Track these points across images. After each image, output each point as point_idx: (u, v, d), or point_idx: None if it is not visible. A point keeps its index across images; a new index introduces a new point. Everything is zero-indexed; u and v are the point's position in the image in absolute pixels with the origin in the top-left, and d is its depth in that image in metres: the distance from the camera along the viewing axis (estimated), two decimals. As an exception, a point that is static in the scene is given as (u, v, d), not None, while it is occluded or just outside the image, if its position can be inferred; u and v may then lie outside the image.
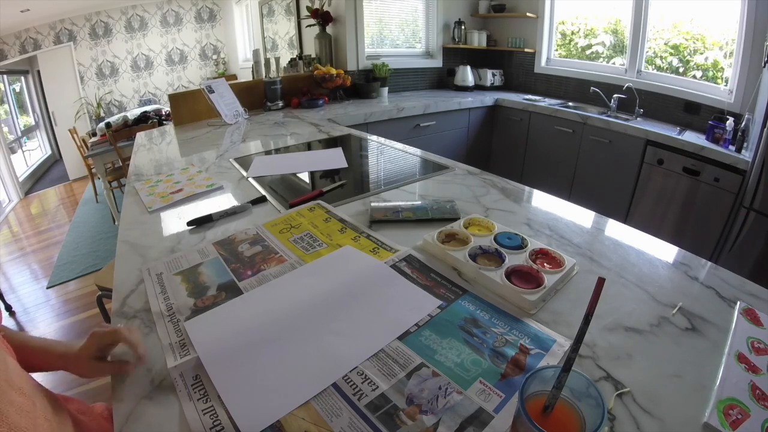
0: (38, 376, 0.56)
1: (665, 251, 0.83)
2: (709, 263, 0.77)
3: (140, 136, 2.06)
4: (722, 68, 2.28)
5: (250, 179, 1.27)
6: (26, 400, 0.46)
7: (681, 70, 2.50)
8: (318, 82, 2.67)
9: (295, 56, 3.17)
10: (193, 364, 0.54)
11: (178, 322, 0.62)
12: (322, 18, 2.83)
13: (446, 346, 0.56)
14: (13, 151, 5.17)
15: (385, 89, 2.95)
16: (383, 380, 0.51)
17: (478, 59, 3.43)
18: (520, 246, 0.79)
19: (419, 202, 1.01)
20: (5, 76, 5.27)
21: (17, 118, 5.58)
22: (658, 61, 2.61)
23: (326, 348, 0.56)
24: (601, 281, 0.36)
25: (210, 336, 0.59)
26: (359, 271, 0.73)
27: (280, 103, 2.54)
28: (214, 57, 6.17)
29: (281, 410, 0.47)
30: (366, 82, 2.92)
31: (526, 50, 3.23)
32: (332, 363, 0.54)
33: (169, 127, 2.26)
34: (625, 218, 2.38)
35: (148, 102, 5.74)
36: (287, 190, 1.21)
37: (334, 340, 0.57)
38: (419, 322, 0.61)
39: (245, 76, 4.53)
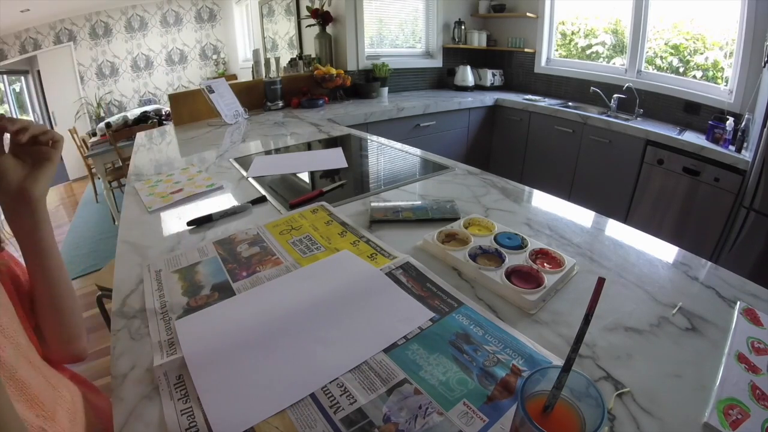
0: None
1: (665, 251, 0.83)
2: (709, 263, 0.77)
3: (140, 136, 2.06)
4: (722, 68, 2.28)
5: (250, 179, 1.27)
6: (44, 379, 0.47)
7: (681, 70, 2.50)
8: (318, 82, 2.67)
9: (295, 56, 3.17)
10: (177, 364, 0.54)
11: (170, 321, 0.62)
12: (322, 18, 2.83)
13: (433, 362, 0.54)
14: (13, 151, 5.16)
15: (385, 89, 2.95)
16: (362, 394, 0.49)
17: (478, 59, 3.43)
18: (520, 246, 0.79)
19: (419, 202, 1.01)
20: (5, 76, 5.27)
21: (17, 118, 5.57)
22: (658, 61, 2.61)
23: (310, 356, 0.55)
24: (601, 281, 0.36)
25: (198, 336, 0.59)
26: (353, 278, 0.72)
27: (280, 103, 2.54)
28: (214, 57, 6.17)
29: (257, 416, 0.47)
30: (366, 82, 2.92)
31: (526, 50, 3.23)
32: (314, 372, 0.53)
33: (169, 127, 2.26)
34: (625, 218, 2.39)
35: (148, 102, 5.74)
36: (287, 190, 1.21)
37: (319, 349, 0.56)
38: (408, 335, 0.58)
39: (245, 76, 4.53)
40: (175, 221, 1.00)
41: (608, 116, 2.54)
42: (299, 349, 0.56)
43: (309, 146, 1.70)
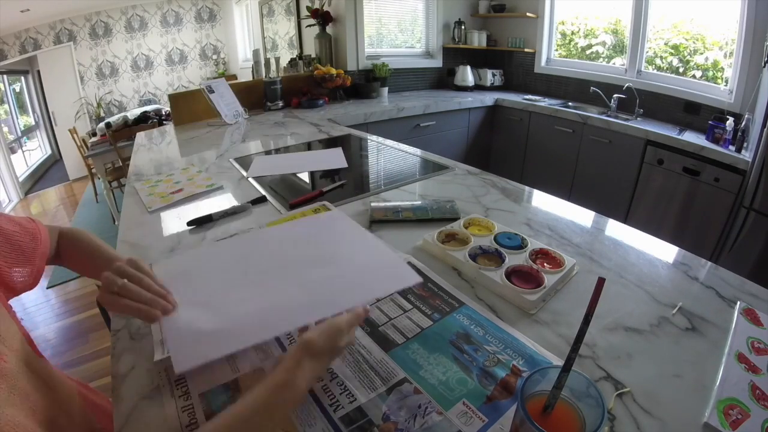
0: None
1: (665, 251, 0.83)
2: (709, 263, 0.77)
3: (140, 136, 2.06)
4: (722, 68, 2.28)
5: (250, 179, 1.27)
6: (43, 383, 0.47)
7: (681, 70, 2.50)
8: (318, 82, 2.67)
9: (295, 56, 3.17)
10: None
11: None
12: (322, 18, 2.83)
13: (433, 362, 0.53)
14: (13, 151, 5.17)
15: (385, 89, 2.95)
16: (362, 393, 0.49)
17: (478, 59, 3.43)
18: (520, 246, 0.79)
19: (419, 202, 1.01)
20: (5, 76, 5.27)
21: (17, 118, 5.58)
22: (658, 61, 2.61)
23: (286, 298, 0.53)
24: (601, 281, 0.36)
25: (172, 275, 0.58)
26: (339, 233, 0.70)
27: (280, 103, 2.54)
28: (214, 57, 6.17)
29: (219, 351, 0.46)
30: (366, 82, 2.92)
31: (526, 50, 3.23)
32: (287, 313, 0.51)
33: (169, 127, 2.26)
34: (625, 218, 2.38)
35: (148, 102, 5.74)
36: (287, 190, 1.21)
37: (296, 292, 0.54)
38: (407, 334, 0.58)
39: (245, 76, 4.53)
40: (175, 221, 1.00)
41: (608, 116, 2.54)
42: (275, 291, 0.55)
43: (309, 146, 1.70)
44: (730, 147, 1.93)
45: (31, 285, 0.56)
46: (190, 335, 0.47)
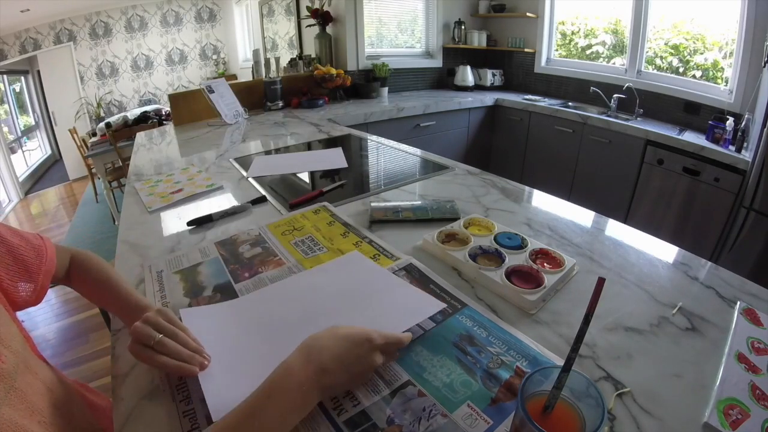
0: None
1: (665, 251, 0.83)
2: (709, 263, 0.77)
3: (140, 136, 2.06)
4: (722, 68, 2.29)
5: (250, 179, 1.27)
6: (41, 383, 0.47)
7: (681, 70, 2.50)
8: (318, 82, 2.67)
9: (295, 56, 3.17)
10: None
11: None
12: (322, 18, 2.83)
13: (437, 364, 0.53)
14: (13, 151, 5.17)
15: (385, 89, 2.95)
16: (366, 396, 0.49)
17: (478, 59, 3.43)
18: (520, 246, 0.79)
19: (419, 202, 1.01)
20: (5, 76, 5.27)
21: (17, 118, 5.58)
22: (658, 61, 2.61)
23: None
24: (601, 281, 0.36)
25: (201, 327, 0.58)
26: (360, 276, 0.71)
27: (280, 103, 2.54)
28: (214, 57, 6.17)
29: None
30: (366, 82, 2.92)
31: (526, 50, 3.23)
32: None
33: (169, 127, 2.26)
34: (625, 218, 2.39)
35: (148, 102, 5.74)
36: (287, 190, 1.21)
37: None
38: (413, 336, 0.58)
39: (245, 76, 4.53)
40: (175, 221, 1.00)
41: (608, 116, 2.54)
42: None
43: (309, 146, 1.70)
44: (730, 147, 1.93)
45: (33, 301, 0.56)
46: (227, 389, 0.48)
